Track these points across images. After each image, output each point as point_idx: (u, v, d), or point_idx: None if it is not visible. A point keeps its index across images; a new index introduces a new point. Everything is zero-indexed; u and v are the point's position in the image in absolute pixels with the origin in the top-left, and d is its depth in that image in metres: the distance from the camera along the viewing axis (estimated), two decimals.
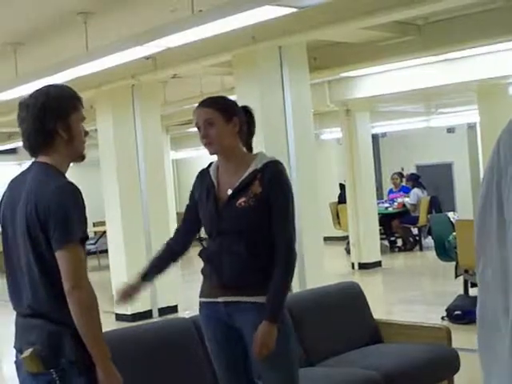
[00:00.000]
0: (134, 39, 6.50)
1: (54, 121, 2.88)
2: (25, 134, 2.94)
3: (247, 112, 3.63)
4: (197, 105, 3.55)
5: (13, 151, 17.58)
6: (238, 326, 3.45)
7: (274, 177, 3.43)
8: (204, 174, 3.61)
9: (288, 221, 3.44)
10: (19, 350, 2.90)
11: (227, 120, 3.45)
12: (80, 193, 2.85)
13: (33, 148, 2.95)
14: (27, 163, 2.94)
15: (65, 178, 2.92)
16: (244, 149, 3.56)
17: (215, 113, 3.44)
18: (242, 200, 3.40)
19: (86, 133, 3.04)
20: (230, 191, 3.45)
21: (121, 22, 7.21)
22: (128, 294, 3.62)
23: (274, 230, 3.40)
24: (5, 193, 3.04)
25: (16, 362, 2.95)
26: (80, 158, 3.03)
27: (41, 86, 3.00)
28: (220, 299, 3.46)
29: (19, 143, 15.61)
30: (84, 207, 2.84)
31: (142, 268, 3.69)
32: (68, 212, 2.79)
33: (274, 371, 3.44)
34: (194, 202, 3.63)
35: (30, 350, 2.80)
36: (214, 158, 3.61)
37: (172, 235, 3.77)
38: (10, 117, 10.79)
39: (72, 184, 2.87)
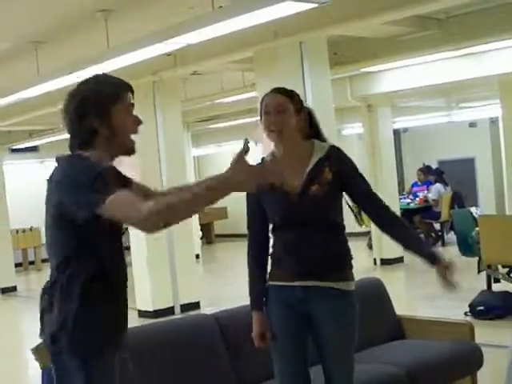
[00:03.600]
0: (154, 36, 6.51)
1: (91, 118, 2.64)
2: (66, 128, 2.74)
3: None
4: (268, 92, 3.52)
5: (34, 149, 17.58)
6: (313, 313, 3.41)
7: (341, 160, 3.50)
8: None
9: (372, 188, 3.58)
10: None
11: (297, 112, 3.47)
12: (91, 163, 2.58)
13: (70, 146, 2.73)
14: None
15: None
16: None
17: (287, 100, 3.45)
18: (315, 188, 3.40)
19: (138, 121, 2.75)
20: (299, 180, 3.41)
21: (141, 19, 7.23)
22: (263, 332, 3.52)
23: (365, 201, 3.58)
24: None
25: None
26: (127, 152, 2.77)
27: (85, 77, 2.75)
28: (297, 283, 3.41)
29: (40, 141, 15.68)
30: (97, 172, 2.52)
31: (252, 302, 3.56)
32: (73, 177, 2.54)
33: (342, 362, 3.48)
34: (255, 199, 3.50)
35: (38, 343, 2.66)
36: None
37: (248, 247, 3.59)
38: (31, 114, 10.86)
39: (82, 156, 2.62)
